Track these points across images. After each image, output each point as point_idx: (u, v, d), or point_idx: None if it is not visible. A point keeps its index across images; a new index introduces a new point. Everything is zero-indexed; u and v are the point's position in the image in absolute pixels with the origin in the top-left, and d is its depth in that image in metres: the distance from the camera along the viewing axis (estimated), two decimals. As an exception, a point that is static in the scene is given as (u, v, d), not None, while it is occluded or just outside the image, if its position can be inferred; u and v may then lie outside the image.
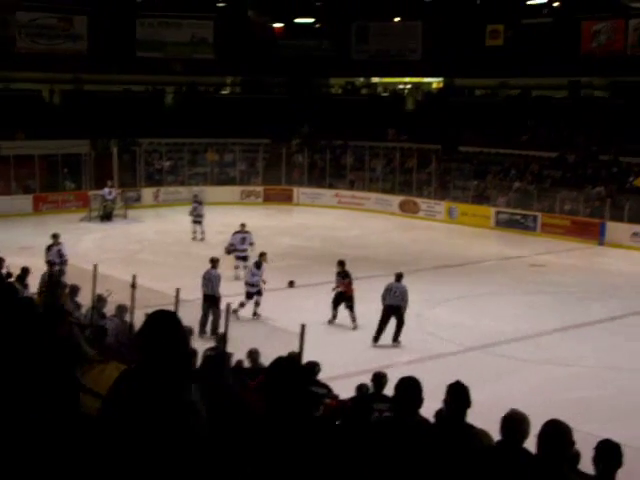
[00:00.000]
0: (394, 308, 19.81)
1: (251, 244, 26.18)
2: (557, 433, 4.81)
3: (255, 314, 21.65)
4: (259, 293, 21.85)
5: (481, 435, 5.60)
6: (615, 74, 45.29)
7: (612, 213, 35.37)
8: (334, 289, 21.49)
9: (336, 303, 21.41)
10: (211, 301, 20.15)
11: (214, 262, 20.91)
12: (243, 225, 27.05)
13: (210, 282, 20.44)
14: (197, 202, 34.77)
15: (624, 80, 45.68)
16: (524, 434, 5.04)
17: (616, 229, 34.73)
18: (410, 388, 5.38)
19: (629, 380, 17.45)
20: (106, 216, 38.44)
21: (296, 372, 4.34)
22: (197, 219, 33.80)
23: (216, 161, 46.85)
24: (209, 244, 30.94)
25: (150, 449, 3.69)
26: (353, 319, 21.16)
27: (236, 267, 26.16)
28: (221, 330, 13.46)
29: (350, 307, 21.24)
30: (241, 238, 26.48)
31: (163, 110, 50.58)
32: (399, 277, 20.27)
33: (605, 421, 13.95)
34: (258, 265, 21.95)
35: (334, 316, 21.41)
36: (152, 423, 3.71)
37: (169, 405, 3.73)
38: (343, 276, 21.43)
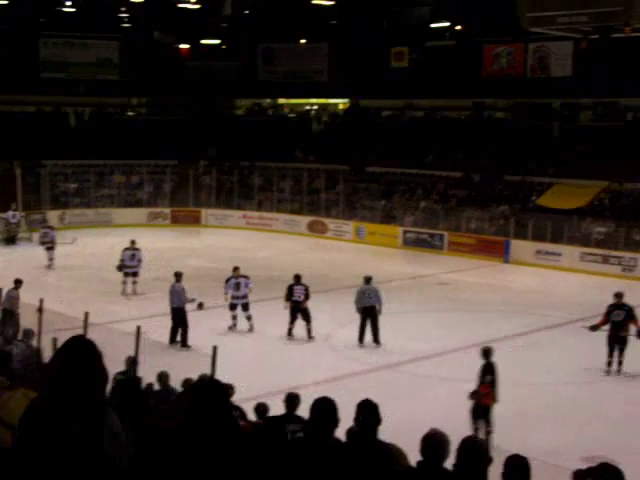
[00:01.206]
0: (370, 309, 21.33)
1: (140, 261, 27.26)
2: (475, 450, 4.87)
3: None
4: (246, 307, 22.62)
5: (394, 451, 5.65)
6: (516, 95, 46.42)
7: (516, 231, 36.11)
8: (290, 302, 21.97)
9: (294, 316, 21.96)
10: (177, 313, 21.13)
11: (178, 276, 21.71)
12: (133, 242, 27.87)
13: (176, 295, 21.26)
14: (47, 228, 34.26)
15: (525, 101, 46.86)
16: (445, 454, 5.09)
17: (520, 247, 35.45)
18: (325, 408, 5.41)
19: (532, 394, 17.80)
20: (10, 239, 37.73)
21: (220, 395, 4.31)
22: (49, 245, 32.58)
23: (123, 183, 46.34)
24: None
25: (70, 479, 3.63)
26: (309, 331, 21.87)
27: (124, 282, 27.20)
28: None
29: (306, 319, 21.81)
30: (130, 255, 27.31)
31: (68, 131, 49.88)
32: (368, 280, 21.77)
33: (510, 435, 14.20)
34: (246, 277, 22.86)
35: (290, 330, 22.00)
36: (71, 452, 3.66)
37: (87, 432, 3.69)
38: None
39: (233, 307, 22.82)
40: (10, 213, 37.89)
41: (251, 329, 22.52)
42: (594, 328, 19.51)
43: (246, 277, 22.98)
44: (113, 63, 51.46)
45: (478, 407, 14.55)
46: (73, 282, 29.29)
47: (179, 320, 21.15)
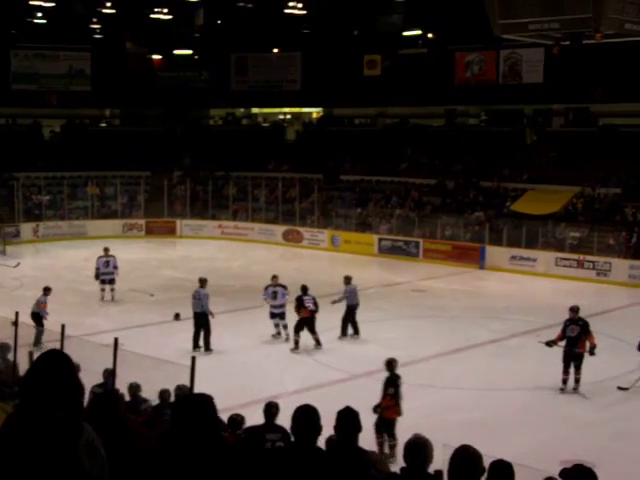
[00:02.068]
0: (354, 307, 22.84)
1: (115, 267, 27.76)
2: (469, 459, 4.86)
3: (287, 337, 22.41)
4: (282, 316, 22.51)
5: (375, 458, 5.65)
6: (488, 102, 46.70)
7: (491, 237, 36.26)
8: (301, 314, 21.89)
9: (299, 329, 21.83)
10: (201, 318, 21.45)
11: (202, 282, 22.00)
12: (106, 249, 28.35)
13: (200, 300, 21.54)
14: None
15: (497, 108, 47.16)
16: (428, 459, 5.09)
17: (495, 253, 35.60)
18: (308, 416, 5.40)
19: (509, 400, 17.86)
20: (-18, 253, 37.50)
21: (207, 410, 4.28)
22: None
23: (97, 194, 46.12)
24: (91, 278, 30.43)
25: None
26: (317, 341, 21.88)
27: (102, 290, 27.75)
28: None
29: (312, 330, 21.81)
30: (104, 262, 27.82)
31: (41, 143, 49.65)
32: (349, 279, 23.18)
33: (488, 440, 14.22)
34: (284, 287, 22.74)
35: (297, 342, 21.79)
36: (47, 466, 3.63)
37: (63, 446, 3.66)
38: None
39: (273, 316, 22.74)
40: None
41: (287, 338, 22.37)
42: (550, 344, 18.60)
43: (283, 287, 22.76)
44: (85, 74, 51.29)
45: (382, 420, 14.28)
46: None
47: (202, 325, 21.53)
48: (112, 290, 27.80)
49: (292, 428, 5.46)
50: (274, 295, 22.59)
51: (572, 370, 18.22)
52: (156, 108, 53.19)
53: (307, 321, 21.74)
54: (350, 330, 22.99)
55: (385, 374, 14.80)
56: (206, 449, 3.99)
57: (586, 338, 18.16)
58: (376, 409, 14.17)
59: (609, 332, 23.93)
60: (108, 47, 51.34)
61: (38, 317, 21.50)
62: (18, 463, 3.65)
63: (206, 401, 4.23)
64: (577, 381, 18.23)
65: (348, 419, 5.67)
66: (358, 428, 5.66)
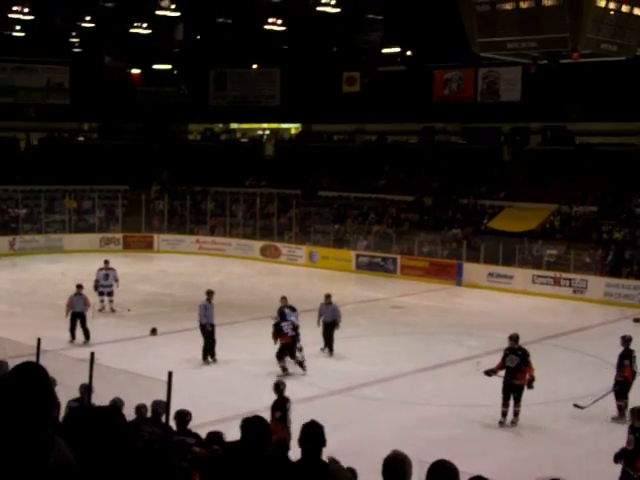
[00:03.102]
0: (330, 324, 23.11)
1: (116, 280, 28.25)
2: (446, 473, 4.85)
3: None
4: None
5: (338, 473, 5.65)
6: (466, 120, 46.94)
7: (468, 254, 36.39)
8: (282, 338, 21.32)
9: (282, 355, 21.27)
10: (207, 330, 21.94)
11: (210, 294, 22.40)
12: (107, 262, 28.86)
13: (207, 312, 22.02)
14: None
15: (475, 126, 47.41)
16: (407, 475, 5.08)
17: (473, 270, 35.71)
18: (315, 431, 5.45)
19: (484, 417, 17.86)
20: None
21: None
22: None
23: (74, 208, 45.91)
24: (68, 292, 30.24)
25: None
26: (300, 364, 21.31)
27: (101, 301, 28.10)
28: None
29: (292, 355, 21.26)
30: (104, 275, 28.21)
31: (18, 156, 49.44)
32: (329, 297, 23.49)
33: (463, 457, 14.22)
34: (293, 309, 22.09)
35: (284, 368, 21.11)
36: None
37: (33, 461, 3.63)
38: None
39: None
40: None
41: (303, 362, 21.59)
42: (489, 373, 17.63)
43: (293, 309, 22.08)
44: (64, 88, 51.14)
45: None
46: (24, 308, 28.93)
47: (209, 336, 21.92)
48: (111, 302, 28.35)
49: (241, 439, 5.50)
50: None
51: (511, 402, 17.35)
52: (135, 122, 53.15)
53: (288, 347, 21.39)
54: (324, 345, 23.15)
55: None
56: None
57: (526, 369, 17.25)
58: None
59: (585, 350, 24.10)
60: (87, 61, 51.25)
61: (82, 316, 23.65)
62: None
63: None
64: (516, 414, 17.35)
65: (312, 432, 5.69)
66: (322, 442, 5.68)
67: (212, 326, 22.09)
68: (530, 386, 17.27)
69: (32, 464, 3.63)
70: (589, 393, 18.90)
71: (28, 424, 3.69)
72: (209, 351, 22.05)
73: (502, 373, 17.47)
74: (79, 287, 24.43)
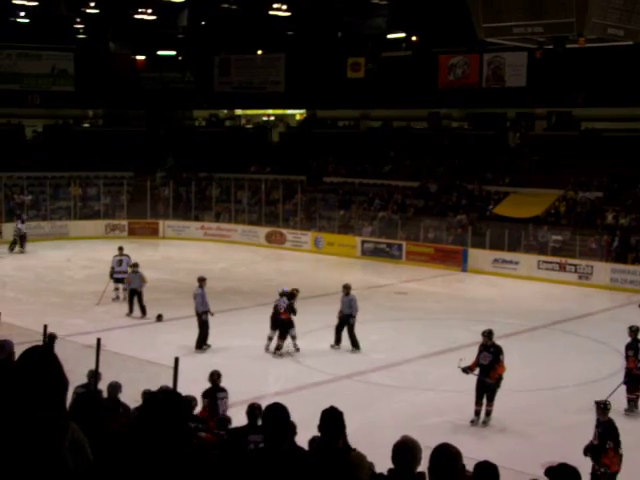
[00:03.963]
0: (346, 317, 21.96)
1: (133, 265, 27.28)
2: (448, 457, 4.87)
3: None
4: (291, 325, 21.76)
5: (356, 458, 5.65)
6: (471, 106, 46.83)
7: (474, 240, 36.32)
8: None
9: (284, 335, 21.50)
10: (203, 318, 21.84)
11: (202, 281, 22.21)
12: (121, 248, 28.43)
13: (204, 300, 21.83)
14: None
15: (480, 112, 47.31)
16: (416, 460, 5.08)
17: (478, 256, 35.67)
18: (278, 414, 5.40)
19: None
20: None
21: (173, 407, 4.27)
22: None
23: (79, 195, 45.91)
24: (74, 279, 30.36)
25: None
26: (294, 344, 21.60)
27: (115, 289, 27.80)
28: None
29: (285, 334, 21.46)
30: (118, 261, 27.87)
31: (23, 143, 49.46)
32: (348, 289, 22.39)
33: (471, 443, 14.26)
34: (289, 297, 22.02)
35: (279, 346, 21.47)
36: (36, 467, 3.61)
37: (50, 446, 3.65)
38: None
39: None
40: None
41: (297, 349, 21.82)
42: (466, 370, 16.65)
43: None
44: (68, 74, 51.06)
45: None
46: (30, 295, 28.96)
47: (203, 323, 21.79)
48: (125, 290, 27.32)
49: (263, 427, 5.49)
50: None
51: (484, 401, 16.56)
52: (139, 109, 53.09)
53: (285, 324, 21.51)
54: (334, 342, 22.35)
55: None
56: (171, 447, 3.97)
57: (497, 366, 16.44)
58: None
59: (591, 335, 24.09)
60: (92, 47, 51.25)
61: (138, 293, 25.07)
62: (3, 462, 3.64)
63: (174, 399, 4.20)
64: (488, 414, 16.52)
65: (332, 419, 5.67)
66: (342, 428, 5.67)
67: (207, 313, 21.88)
68: (498, 385, 16.50)
69: (47, 450, 3.65)
70: (594, 379, 18.95)
71: (45, 409, 3.70)
72: (205, 339, 21.82)
73: (477, 371, 16.68)
74: (135, 265, 25.73)
